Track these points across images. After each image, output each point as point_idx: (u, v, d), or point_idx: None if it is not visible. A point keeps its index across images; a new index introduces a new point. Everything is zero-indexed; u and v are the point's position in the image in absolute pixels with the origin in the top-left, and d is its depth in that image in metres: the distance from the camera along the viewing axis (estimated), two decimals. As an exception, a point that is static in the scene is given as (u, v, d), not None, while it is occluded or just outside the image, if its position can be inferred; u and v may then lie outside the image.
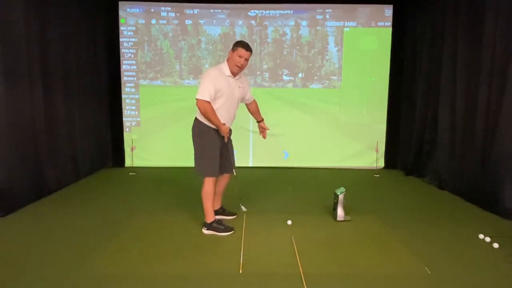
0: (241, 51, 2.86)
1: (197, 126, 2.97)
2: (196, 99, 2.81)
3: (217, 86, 2.83)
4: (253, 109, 3.34)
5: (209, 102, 2.81)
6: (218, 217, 3.14)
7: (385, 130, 5.75)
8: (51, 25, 4.11)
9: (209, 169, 2.96)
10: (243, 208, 3.41)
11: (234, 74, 2.95)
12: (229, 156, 3.11)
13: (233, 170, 3.18)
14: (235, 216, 3.39)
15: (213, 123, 2.89)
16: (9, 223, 3.22)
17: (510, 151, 3.42)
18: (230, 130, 3.08)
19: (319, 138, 5.79)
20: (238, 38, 5.57)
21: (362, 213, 3.54)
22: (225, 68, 2.92)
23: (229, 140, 3.12)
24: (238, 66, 2.88)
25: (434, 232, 3.09)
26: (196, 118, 3.00)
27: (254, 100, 3.31)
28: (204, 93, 2.79)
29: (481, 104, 3.77)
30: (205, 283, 2.23)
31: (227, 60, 2.95)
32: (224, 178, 3.23)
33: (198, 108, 2.84)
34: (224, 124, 2.91)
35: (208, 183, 2.97)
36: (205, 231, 3.02)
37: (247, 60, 2.90)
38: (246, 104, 3.33)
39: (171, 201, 3.90)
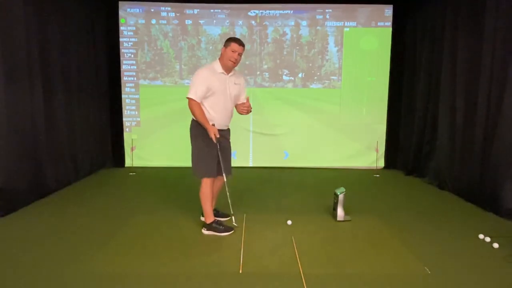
0: (234, 45, 2.87)
1: (194, 127, 2.97)
2: (187, 97, 2.85)
3: (208, 85, 2.84)
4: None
5: (197, 102, 2.84)
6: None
7: (385, 130, 5.75)
8: (51, 25, 4.11)
9: (206, 170, 2.94)
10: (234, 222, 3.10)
11: (227, 70, 2.94)
12: (225, 157, 3.02)
13: (224, 176, 2.99)
14: (229, 218, 3.35)
15: (200, 123, 2.88)
16: (9, 223, 3.22)
17: (510, 151, 3.42)
18: (226, 131, 3.07)
19: (319, 138, 5.79)
20: (238, 38, 5.58)
21: (362, 213, 3.54)
22: (216, 65, 2.93)
23: (227, 141, 3.11)
24: (231, 61, 2.88)
25: (434, 232, 3.09)
26: (192, 119, 2.99)
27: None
28: (191, 92, 2.83)
29: (481, 104, 3.77)
30: (205, 283, 2.23)
31: (219, 58, 2.96)
32: (218, 180, 3.14)
33: (189, 106, 2.87)
34: (213, 125, 2.88)
35: (206, 184, 2.96)
36: (204, 231, 3.02)
37: (240, 55, 2.91)
38: (236, 106, 3.15)
39: (171, 201, 3.90)
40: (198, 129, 2.93)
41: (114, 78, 5.57)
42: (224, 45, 2.93)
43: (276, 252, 2.68)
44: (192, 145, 3.01)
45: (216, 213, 3.30)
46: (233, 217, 3.10)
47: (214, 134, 2.86)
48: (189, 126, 3.03)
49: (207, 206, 2.99)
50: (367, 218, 3.42)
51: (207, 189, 2.96)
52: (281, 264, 2.49)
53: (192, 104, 2.85)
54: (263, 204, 3.81)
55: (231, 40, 2.91)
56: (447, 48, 4.40)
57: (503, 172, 3.47)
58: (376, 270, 2.42)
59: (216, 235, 2.97)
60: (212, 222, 3.01)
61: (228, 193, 3.03)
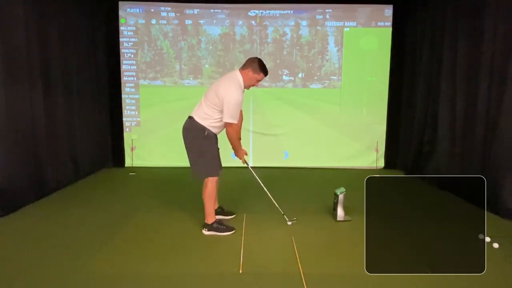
0: (263, 76, 2.98)
1: (201, 130, 2.91)
2: (228, 123, 2.84)
3: (241, 106, 2.94)
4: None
5: (236, 125, 2.92)
6: (217, 216, 3.13)
7: (385, 130, 5.74)
8: (51, 25, 4.11)
9: (212, 169, 2.97)
10: (290, 222, 3.23)
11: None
12: (219, 155, 3.16)
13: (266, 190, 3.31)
14: (234, 215, 3.39)
15: (233, 145, 3.02)
16: (9, 223, 3.22)
17: (510, 151, 3.42)
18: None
19: (319, 138, 5.78)
20: (238, 38, 5.59)
21: (362, 213, 3.53)
22: (241, 83, 2.92)
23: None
24: (251, 86, 3.01)
25: (434, 232, 3.08)
26: (197, 122, 2.92)
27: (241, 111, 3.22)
28: (232, 117, 2.82)
29: (481, 104, 3.77)
30: (205, 283, 2.23)
31: (241, 73, 2.92)
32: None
33: (229, 131, 2.90)
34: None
35: (212, 184, 2.97)
36: (205, 232, 3.01)
37: None
38: None
39: (171, 201, 3.89)
40: (209, 133, 2.93)
41: (114, 78, 5.56)
42: (252, 68, 2.90)
43: (276, 252, 2.68)
44: (195, 147, 2.96)
45: (221, 210, 3.34)
46: (285, 216, 3.24)
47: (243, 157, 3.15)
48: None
49: (210, 206, 2.99)
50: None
51: (213, 188, 2.98)
52: (281, 264, 2.49)
53: (234, 129, 2.90)
54: (263, 204, 3.80)
55: (262, 70, 2.94)
56: (447, 48, 4.40)
57: (503, 172, 3.47)
58: (376, 270, 2.42)
59: (218, 235, 2.97)
60: (213, 222, 3.01)
61: (273, 200, 3.30)
